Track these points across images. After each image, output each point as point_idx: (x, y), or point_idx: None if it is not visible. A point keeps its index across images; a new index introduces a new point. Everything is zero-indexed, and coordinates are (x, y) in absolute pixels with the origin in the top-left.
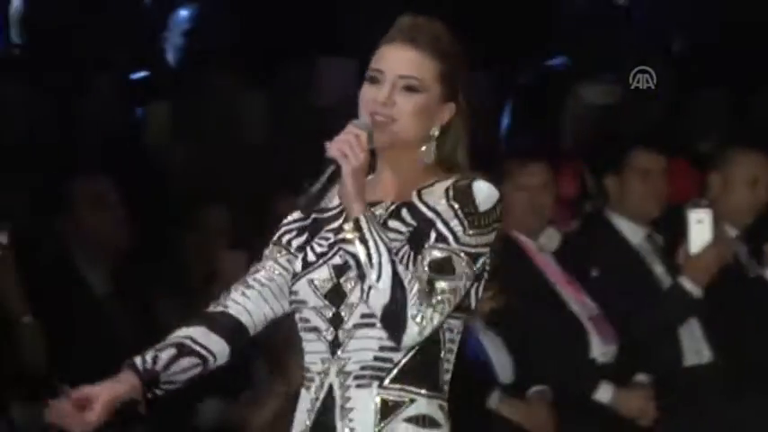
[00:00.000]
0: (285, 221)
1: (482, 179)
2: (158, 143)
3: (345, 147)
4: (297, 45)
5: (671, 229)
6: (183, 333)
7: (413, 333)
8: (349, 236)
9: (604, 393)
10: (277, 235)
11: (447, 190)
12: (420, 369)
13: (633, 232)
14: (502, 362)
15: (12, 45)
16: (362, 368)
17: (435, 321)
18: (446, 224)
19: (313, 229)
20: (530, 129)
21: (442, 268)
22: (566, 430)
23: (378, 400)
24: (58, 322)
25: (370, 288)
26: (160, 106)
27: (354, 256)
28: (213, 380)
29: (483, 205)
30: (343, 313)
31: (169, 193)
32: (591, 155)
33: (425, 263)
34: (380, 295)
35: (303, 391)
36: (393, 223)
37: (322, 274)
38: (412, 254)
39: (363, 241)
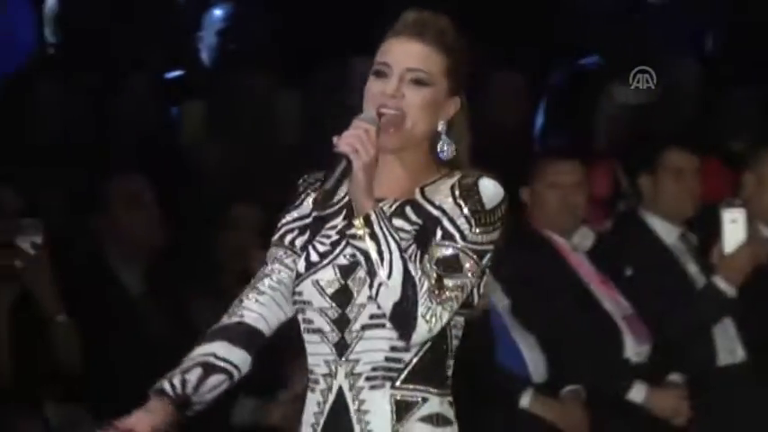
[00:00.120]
0: (285, 221)
1: (486, 177)
2: (193, 143)
3: (356, 142)
4: (331, 45)
5: (705, 229)
6: (205, 350)
7: (423, 331)
8: (359, 232)
9: (638, 393)
10: (278, 235)
11: (452, 188)
12: (429, 368)
13: (667, 232)
14: (535, 361)
15: (46, 44)
16: (374, 369)
17: (444, 319)
18: (452, 222)
19: (314, 228)
20: (563, 128)
21: (450, 266)
22: (599, 430)
23: (392, 400)
24: (92, 321)
25: (380, 285)
26: (194, 106)
27: (364, 253)
28: (249, 379)
29: (489, 203)
30: (350, 314)
31: (203, 193)
32: (624, 154)
33: (433, 260)
34: (391, 293)
35: (308, 393)
36: (397, 221)
37: (328, 275)
38: (419, 252)
39: (374, 237)
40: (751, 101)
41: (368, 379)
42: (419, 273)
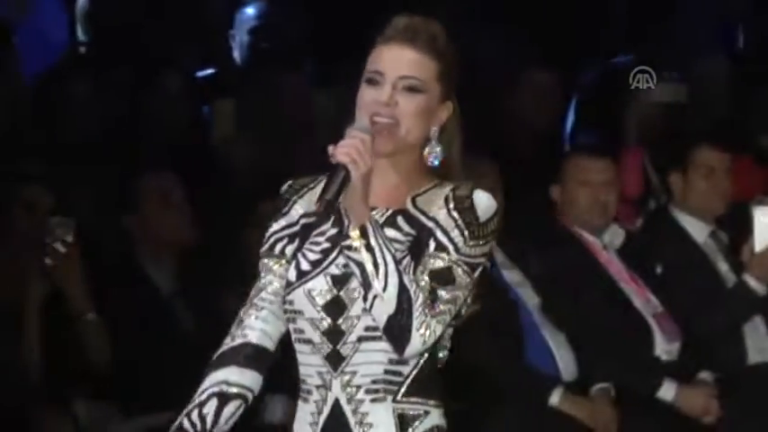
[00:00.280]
0: (273, 229)
1: (480, 188)
2: (223, 141)
3: (353, 152)
4: (363, 43)
5: (735, 227)
6: (217, 378)
7: (417, 344)
8: (355, 243)
9: (668, 391)
10: (267, 245)
11: (446, 199)
12: (427, 380)
13: (698, 230)
14: (565, 359)
15: (78, 43)
16: (374, 381)
17: (438, 332)
18: (446, 234)
19: (303, 235)
20: (594, 126)
21: (444, 278)
22: (629, 428)
23: (396, 414)
24: (122, 320)
25: (375, 297)
26: (226, 104)
27: (359, 264)
28: (280, 376)
29: (483, 216)
30: (343, 326)
31: (234, 191)
32: (655, 152)
33: (426, 272)
34: (386, 305)
35: (300, 402)
36: (390, 232)
37: (320, 285)
38: (412, 264)
39: (370, 249)
40: None
41: (368, 392)
42: (414, 286)
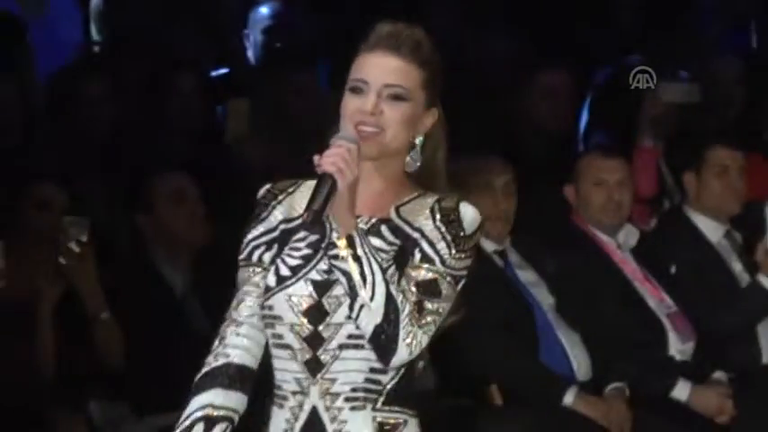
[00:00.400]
0: (251, 236)
1: (465, 200)
2: (237, 141)
3: (340, 161)
4: None
5: (749, 227)
6: (201, 402)
7: (403, 355)
8: (342, 253)
9: (682, 391)
10: (245, 253)
11: (432, 210)
12: (405, 389)
13: (712, 229)
14: (579, 359)
15: (92, 42)
16: (353, 390)
17: (424, 343)
18: (432, 246)
19: (282, 241)
20: (607, 126)
21: (430, 290)
22: (643, 428)
23: (375, 423)
24: (135, 319)
25: (362, 307)
26: (240, 104)
27: (346, 274)
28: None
29: (469, 229)
30: (324, 333)
31: (248, 190)
32: (669, 152)
33: (412, 283)
34: (373, 315)
35: (275, 408)
36: (374, 241)
37: (300, 290)
38: (397, 273)
39: (357, 259)
40: None
41: (348, 400)
42: (401, 296)
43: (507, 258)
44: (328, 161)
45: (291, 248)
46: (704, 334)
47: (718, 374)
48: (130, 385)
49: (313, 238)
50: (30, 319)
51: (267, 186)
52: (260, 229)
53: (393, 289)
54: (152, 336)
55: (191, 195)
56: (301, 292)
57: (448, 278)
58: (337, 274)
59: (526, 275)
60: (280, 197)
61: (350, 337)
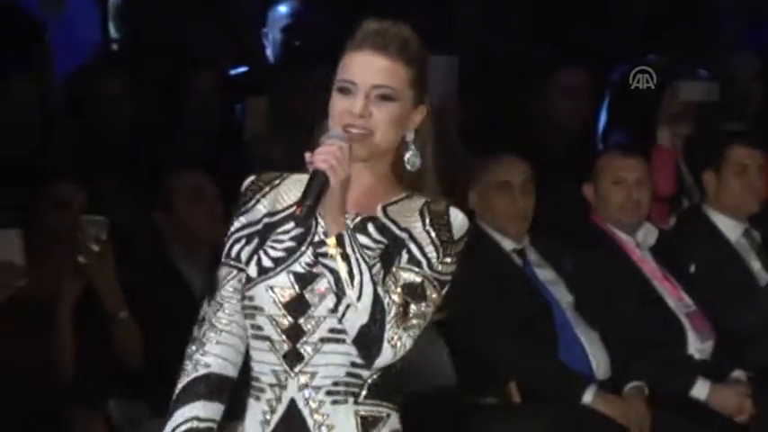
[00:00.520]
0: (233, 229)
1: (453, 205)
2: (257, 139)
3: (332, 159)
4: None
5: None
6: (185, 415)
7: (388, 356)
8: (331, 251)
9: (701, 390)
10: (227, 247)
11: (422, 213)
12: (388, 384)
13: (731, 228)
14: (598, 357)
15: (110, 40)
16: (335, 383)
17: (408, 345)
18: (420, 248)
19: (263, 234)
20: (626, 125)
21: (416, 293)
22: (662, 427)
23: (357, 416)
24: (154, 318)
25: (348, 306)
26: (259, 102)
27: (334, 272)
28: None
29: (457, 234)
30: (305, 326)
31: None
32: (688, 150)
33: (398, 285)
34: (359, 315)
35: (251, 400)
36: (361, 238)
37: (282, 282)
38: (382, 272)
39: (345, 258)
40: None
41: (329, 393)
42: (387, 297)
43: (526, 257)
44: (320, 158)
45: (274, 240)
46: (723, 333)
47: (737, 373)
48: (149, 384)
49: (297, 231)
50: (48, 319)
51: (252, 178)
52: (242, 220)
53: (380, 290)
54: (171, 334)
55: (209, 194)
56: (283, 284)
57: (434, 282)
58: (324, 272)
59: (545, 274)
60: (265, 189)
61: (331, 330)
